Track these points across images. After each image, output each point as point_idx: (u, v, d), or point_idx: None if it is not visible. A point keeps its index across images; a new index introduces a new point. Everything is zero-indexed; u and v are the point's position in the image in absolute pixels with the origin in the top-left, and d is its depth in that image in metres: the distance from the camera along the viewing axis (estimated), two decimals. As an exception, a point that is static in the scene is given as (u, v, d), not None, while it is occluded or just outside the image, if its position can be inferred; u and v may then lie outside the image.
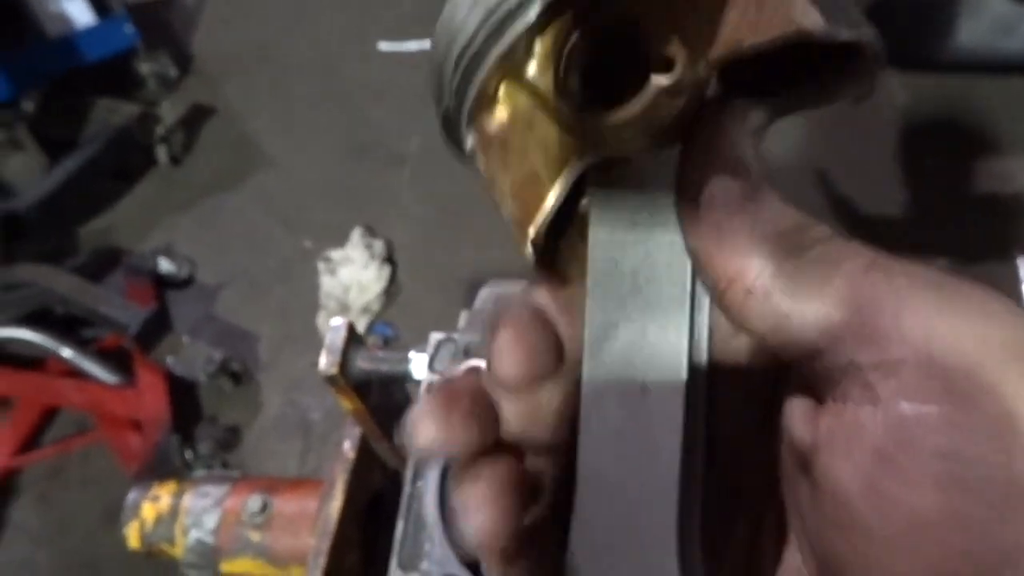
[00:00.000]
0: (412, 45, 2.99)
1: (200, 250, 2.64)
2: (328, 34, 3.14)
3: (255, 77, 3.06)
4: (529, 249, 0.26)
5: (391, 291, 2.47)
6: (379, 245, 2.49)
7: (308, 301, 2.47)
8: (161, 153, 2.73)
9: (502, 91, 0.26)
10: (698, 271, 0.27)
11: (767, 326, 0.24)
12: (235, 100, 3.00)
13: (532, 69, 0.25)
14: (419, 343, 0.85)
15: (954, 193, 2.47)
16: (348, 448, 0.91)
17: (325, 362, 0.81)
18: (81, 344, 2.26)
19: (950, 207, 2.44)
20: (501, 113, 0.26)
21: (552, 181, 0.25)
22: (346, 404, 0.86)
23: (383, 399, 0.92)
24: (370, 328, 2.40)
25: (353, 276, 2.42)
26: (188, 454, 2.09)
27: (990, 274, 2.27)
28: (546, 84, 0.25)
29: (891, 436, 0.22)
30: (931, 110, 2.67)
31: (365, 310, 2.41)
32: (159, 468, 2.05)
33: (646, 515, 0.27)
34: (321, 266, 2.47)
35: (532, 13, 0.24)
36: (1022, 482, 0.21)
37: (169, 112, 2.77)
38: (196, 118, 2.88)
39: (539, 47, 0.25)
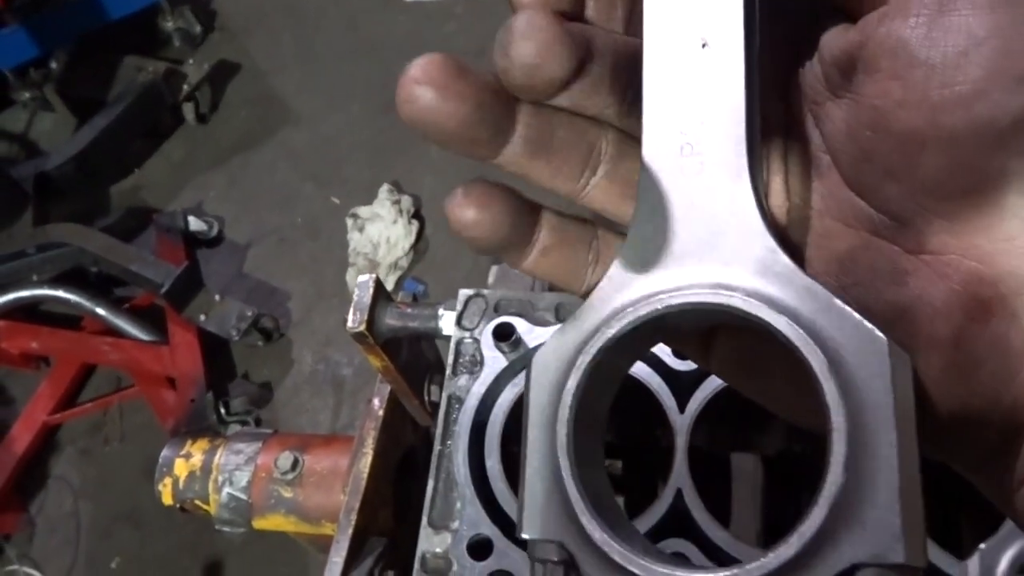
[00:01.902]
0: (437, -3, 2.93)
1: (229, 208, 2.64)
2: (352, -12, 3.08)
3: (279, 33, 3.02)
4: None
5: (420, 247, 2.46)
6: (407, 201, 2.47)
7: (338, 258, 2.47)
8: (188, 111, 2.72)
9: None
10: None
11: None
12: (260, 56, 2.97)
13: None
14: (449, 299, 0.83)
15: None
16: (378, 405, 0.90)
17: (353, 319, 0.80)
18: (115, 303, 2.29)
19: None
20: None
21: None
22: (375, 362, 0.85)
23: (412, 356, 0.91)
24: (399, 284, 2.39)
25: (381, 233, 2.41)
26: (222, 410, 2.12)
27: None
28: None
29: None
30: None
31: (394, 267, 2.40)
32: (194, 424, 2.08)
33: (715, 126, 0.28)
34: (349, 223, 2.46)
35: None
36: None
37: (195, 70, 2.75)
38: (222, 75, 2.86)
39: None
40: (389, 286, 2.38)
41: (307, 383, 2.31)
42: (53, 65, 2.68)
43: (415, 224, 2.45)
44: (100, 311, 2.19)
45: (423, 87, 0.27)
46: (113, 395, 2.29)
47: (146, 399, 2.20)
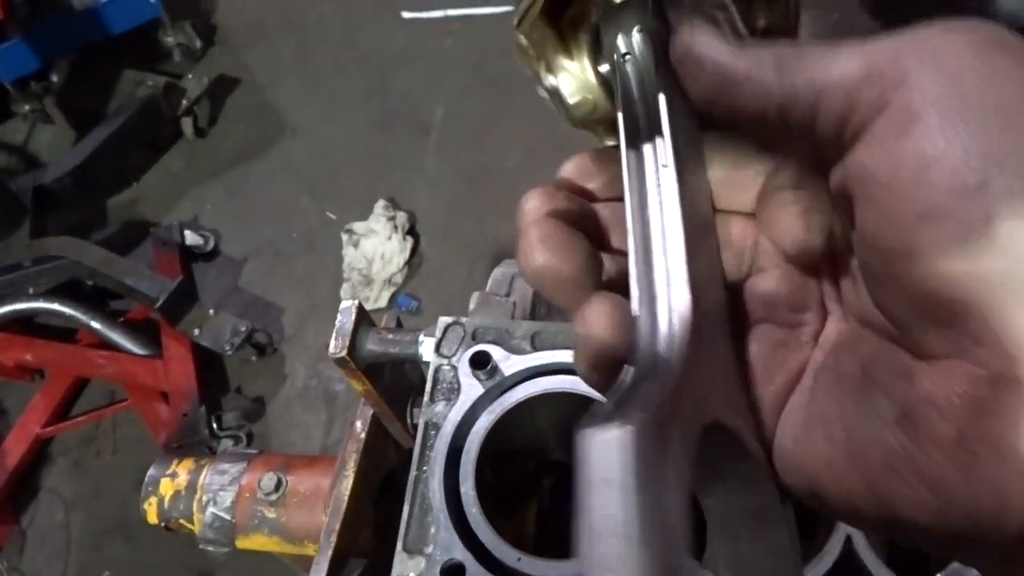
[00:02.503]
0: (435, 13, 2.96)
1: (226, 221, 2.66)
2: (351, 2, 3.11)
3: (279, 47, 3.05)
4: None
5: (414, 263, 2.47)
6: (402, 217, 2.49)
7: (333, 272, 2.48)
8: (187, 125, 2.75)
9: None
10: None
11: (805, 77, 0.28)
12: (260, 70, 2.99)
13: None
14: (444, 312, 0.85)
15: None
16: (360, 428, 0.92)
17: (334, 345, 0.81)
18: (110, 316, 2.30)
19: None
20: None
21: None
22: (357, 386, 0.86)
23: (395, 379, 0.92)
24: (393, 300, 2.41)
25: (376, 248, 2.43)
26: (214, 425, 2.13)
27: None
28: None
29: (901, 111, 0.26)
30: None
31: (388, 282, 2.42)
32: (187, 438, 2.09)
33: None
34: (344, 238, 2.48)
35: None
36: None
37: (194, 84, 2.77)
38: (221, 89, 2.89)
39: None
40: (383, 302, 2.40)
41: (300, 398, 2.32)
42: (54, 78, 2.70)
43: (410, 240, 2.47)
44: (95, 324, 2.20)
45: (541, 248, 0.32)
46: (106, 408, 2.30)
47: (139, 413, 2.22)
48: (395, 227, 2.46)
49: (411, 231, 2.51)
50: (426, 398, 0.78)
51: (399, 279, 2.43)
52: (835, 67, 0.28)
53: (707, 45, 0.30)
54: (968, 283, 0.25)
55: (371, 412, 0.95)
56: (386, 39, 3.00)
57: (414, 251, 2.47)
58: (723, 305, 0.32)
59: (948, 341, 0.26)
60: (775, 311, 0.34)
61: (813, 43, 0.29)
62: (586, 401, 0.74)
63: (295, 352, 2.39)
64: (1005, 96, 0.25)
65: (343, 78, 2.93)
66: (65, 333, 2.37)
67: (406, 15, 3.00)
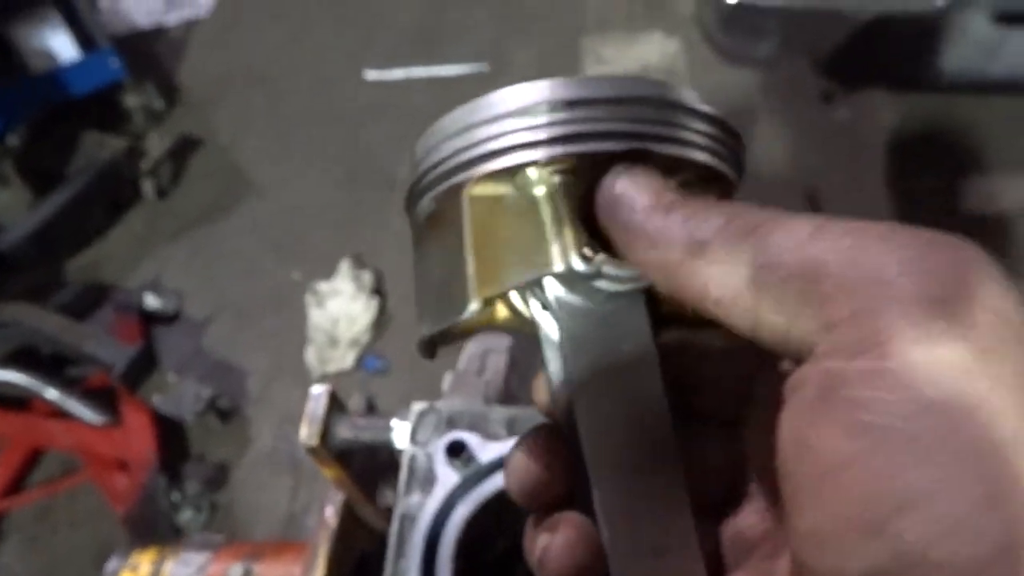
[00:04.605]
0: (398, 73, 2.99)
1: (189, 282, 2.62)
2: (316, 62, 3.13)
3: (243, 106, 3.05)
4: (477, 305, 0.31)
5: (381, 322, 2.45)
6: (367, 276, 2.48)
7: (299, 333, 2.45)
8: (147, 187, 2.72)
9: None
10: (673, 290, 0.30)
11: (745, 327, 0.27)
12: (223, 129, 2.99)
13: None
14: (402, 408, 0.83)
15: (940, 211, 2.48)
16: (331, 515, 0.89)
17: (306, 433, 0.80)
18: (67, 383, 2.24)
19: (935, 225, 2.43)
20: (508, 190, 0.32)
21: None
22: (328, 473, 0.85)
23: (367, 462, 0.91)
24: (360, 360, 2.38)
25: (341, 308, 2.41)
26: (175, 495, 2.06)
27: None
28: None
29: (818, 389, 0.24)
30: (917, 129, 2.68)
31: (354, 342, 2.39)
32: (146, 509, 2.03)
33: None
34: (309, 299, 2.45)
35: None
36: (918, 432, 0.22)
37: (156, 144, 2.76)
38: (183, 149, 2.87)
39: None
40: (349, 363, 2.37)
41: (265, 462, 2.27)
42: (13, 141, 2.66)
43: (376, 299, 2.45)
44: (49, 395, 2.14)
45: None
46: (62, 480, 2.22)
47: (96, 484, 2.14)
48: (360, 286, 2.44)
49: (378, 290, 2.49)
50: (401, 488, 0.76)
51: (365, 339, 2.41)
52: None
53: (631, 197, 0.30)
54: None
55: (341, 496, 0.93)
56: (351, 97, 3.02)
57: (381, 310, 2.45)
58: (688, 538, 0.31)
59: None
60: (749, 556, 0.33)
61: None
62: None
63: (260, 415, 2.34)
64: None
65: (308, 136, 2.93)
66: (19, 402, 2.29)
67: (370, 75, 3.02)
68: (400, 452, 0.81)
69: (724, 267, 0.27)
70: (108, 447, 2.13)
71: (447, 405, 0.79)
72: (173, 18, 3.29)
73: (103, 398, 2.23)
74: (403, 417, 0.81)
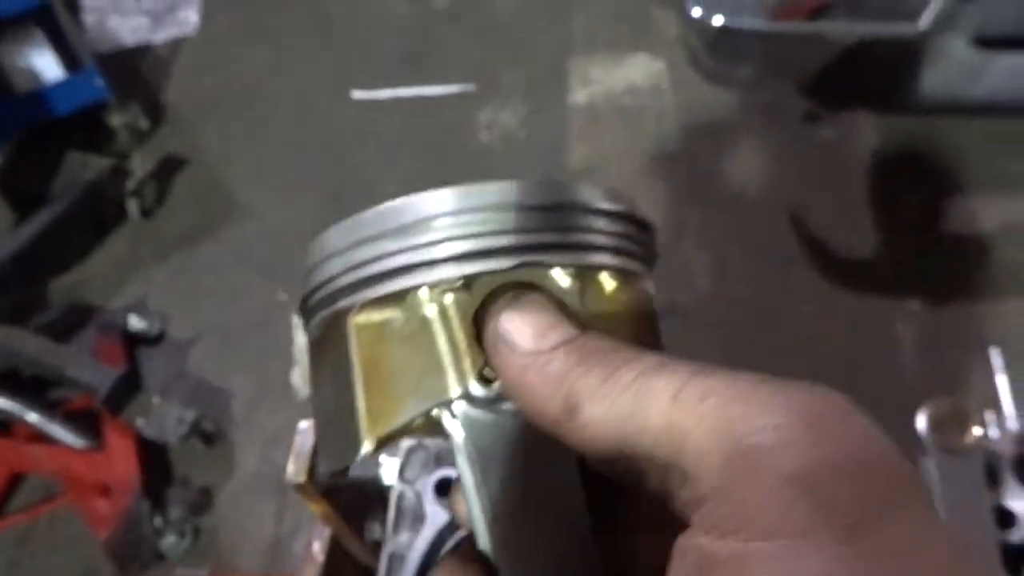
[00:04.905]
0: (385, 93, 2.99)
1: (173, 303, 2.60)
2: (302, 81, 3.13)
3: (228, 126, 3.04)
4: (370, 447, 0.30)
5: (367, 344, 2.44)
6: (355, 298, 2.47)
7: (285, 354, 2.43)
8: (132, 207, 2.70)
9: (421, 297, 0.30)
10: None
11: (629, 483, 0.27)
12: (209, 149, 2.97)
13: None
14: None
15: (921, 232, 2.51)
16: (318, 550, 0.89)
17: (292, 469, 0.79)
18: (49, 406, 2.21)
19: (918, 245, 2.47)
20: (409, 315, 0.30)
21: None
22: (315, 508, 0.84)
23: (354, 497, 0.90)
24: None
25: (328, 330, 2.40)
26: (158, 520, 2.04)
27: (956, 318, 2.30)
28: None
29: (694, 568, 0.24)
30: (900, 150, 2.71)
31: (341, 364, 2.38)
32: (129, 534, 2.00)
33: None
34: (295, 321, 2.44)
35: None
36: None
37: (141, 164, 2.74)
38: (169, 169, 2.85)
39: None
40: (336, 384, 2.36)
41: (250, 486, 2.25)
42: (-5, 161, 2.65)
43: (363, 320, 2.44)
44: (31, 418, 2.11)
45: None
46: (42, 505, 2.19)
47: (77, 508, 2.11)
48: (348, 308, 2.43)
49: (364, 311, 2.49)
50: (389, 527, 0.76)
51: (352, 361, 2.40)
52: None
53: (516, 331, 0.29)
54: None
55: (328, 531, 0.92)
56: (337, 116, 3.02)
57: (367, 332, 2.45)
58: None
59: None
60: None
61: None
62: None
63: (245, 438, 2.32)
64: None
65: (294, 155, 2.93)
66: (0, 425, 2.26)
67: (356, 95, 3.03)
68: (388, 488, 0.80)
69: (596, 432, 0.26)
70: (90, 471, 2.10)
71: (436, 442, 0.79)
72: (159, 36, 3.28)
73: (85, 421, 2.20)
74: (391, 453, 0.81)
